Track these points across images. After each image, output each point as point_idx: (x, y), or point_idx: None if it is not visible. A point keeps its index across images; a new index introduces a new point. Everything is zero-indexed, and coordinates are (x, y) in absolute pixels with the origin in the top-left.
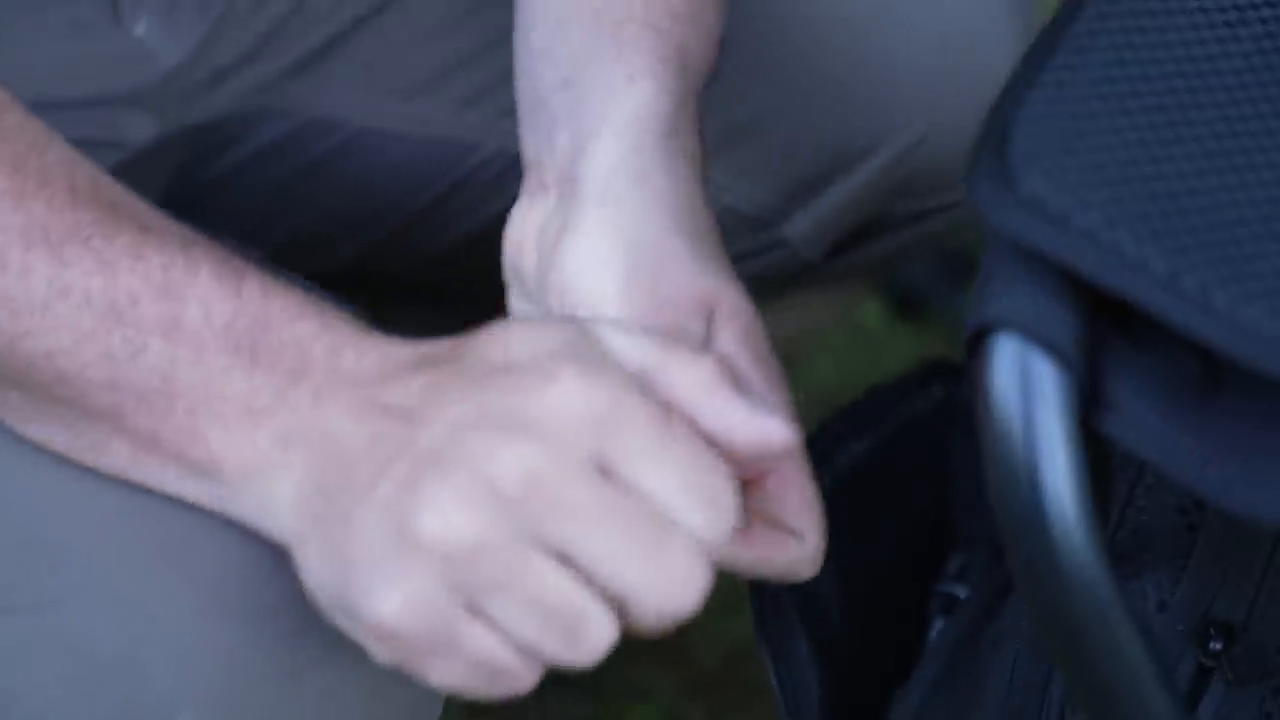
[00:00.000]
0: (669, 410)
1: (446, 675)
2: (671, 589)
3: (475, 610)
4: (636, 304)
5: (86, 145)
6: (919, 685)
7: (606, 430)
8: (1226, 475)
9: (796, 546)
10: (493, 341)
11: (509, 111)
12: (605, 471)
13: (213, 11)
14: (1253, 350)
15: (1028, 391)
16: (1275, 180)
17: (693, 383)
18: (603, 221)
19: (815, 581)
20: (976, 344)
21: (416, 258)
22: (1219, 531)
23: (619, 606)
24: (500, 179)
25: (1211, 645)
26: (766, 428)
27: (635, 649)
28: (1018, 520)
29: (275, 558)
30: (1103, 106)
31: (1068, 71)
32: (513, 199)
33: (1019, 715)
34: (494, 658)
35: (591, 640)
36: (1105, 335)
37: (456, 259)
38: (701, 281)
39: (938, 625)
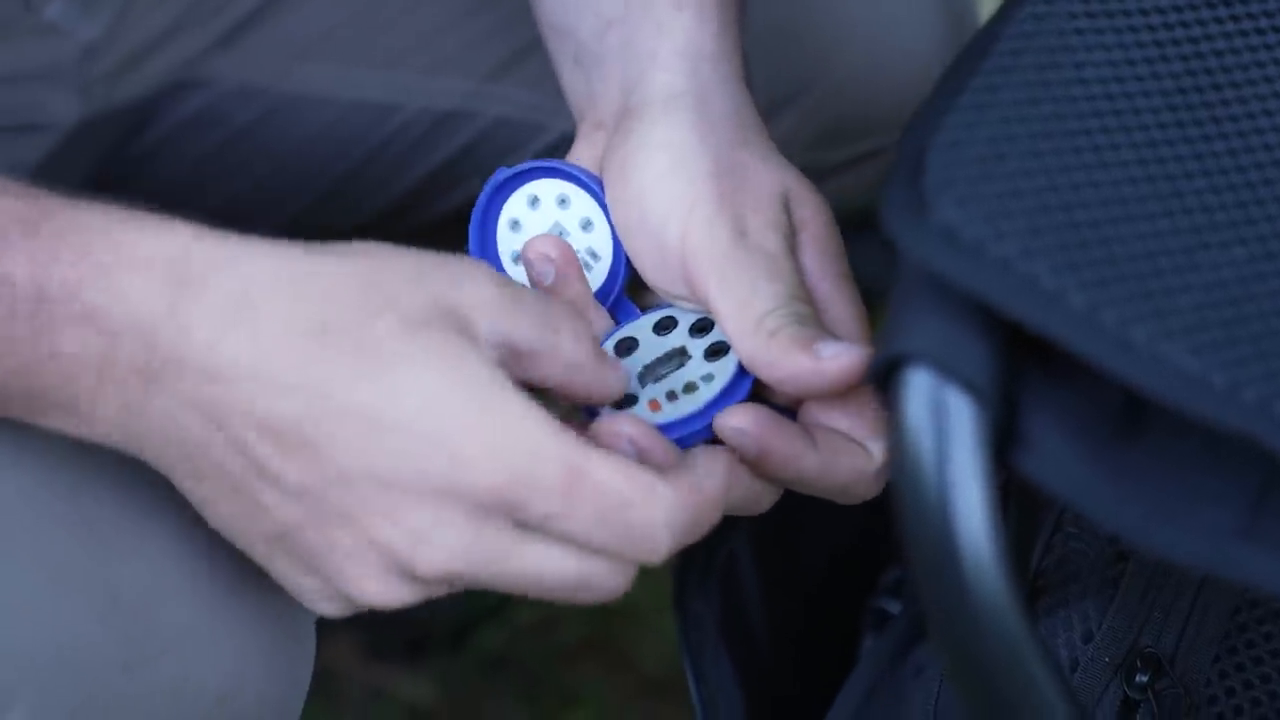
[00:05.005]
0: (580, 468)
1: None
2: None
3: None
4: (726, 199)
5: (14, 131)
6: (840, 714)
7: (518, 495)
8: (1142, 515)
9: (864, 457)
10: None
11: (431, 69)
12: (520, 524)
13: None
14: (1172, 388)
15: (940, 426)
16: (1197, 213)
17: None
18: (676, 133)
19: (742, 604)
20: (888, 376)
21: (343, 224)
22: (1149, 560)
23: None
24: (424, 139)
25: (1138, 678)
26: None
27: (573, 652)
28: (929, 558)
29: (124, 538)
30: (1023, 131)
31: (987, 94)
32: (438, 159)
33: None
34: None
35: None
36: (1023, 369)
37: (383, 224)
38: (777, 174)
39: (868, 641)
